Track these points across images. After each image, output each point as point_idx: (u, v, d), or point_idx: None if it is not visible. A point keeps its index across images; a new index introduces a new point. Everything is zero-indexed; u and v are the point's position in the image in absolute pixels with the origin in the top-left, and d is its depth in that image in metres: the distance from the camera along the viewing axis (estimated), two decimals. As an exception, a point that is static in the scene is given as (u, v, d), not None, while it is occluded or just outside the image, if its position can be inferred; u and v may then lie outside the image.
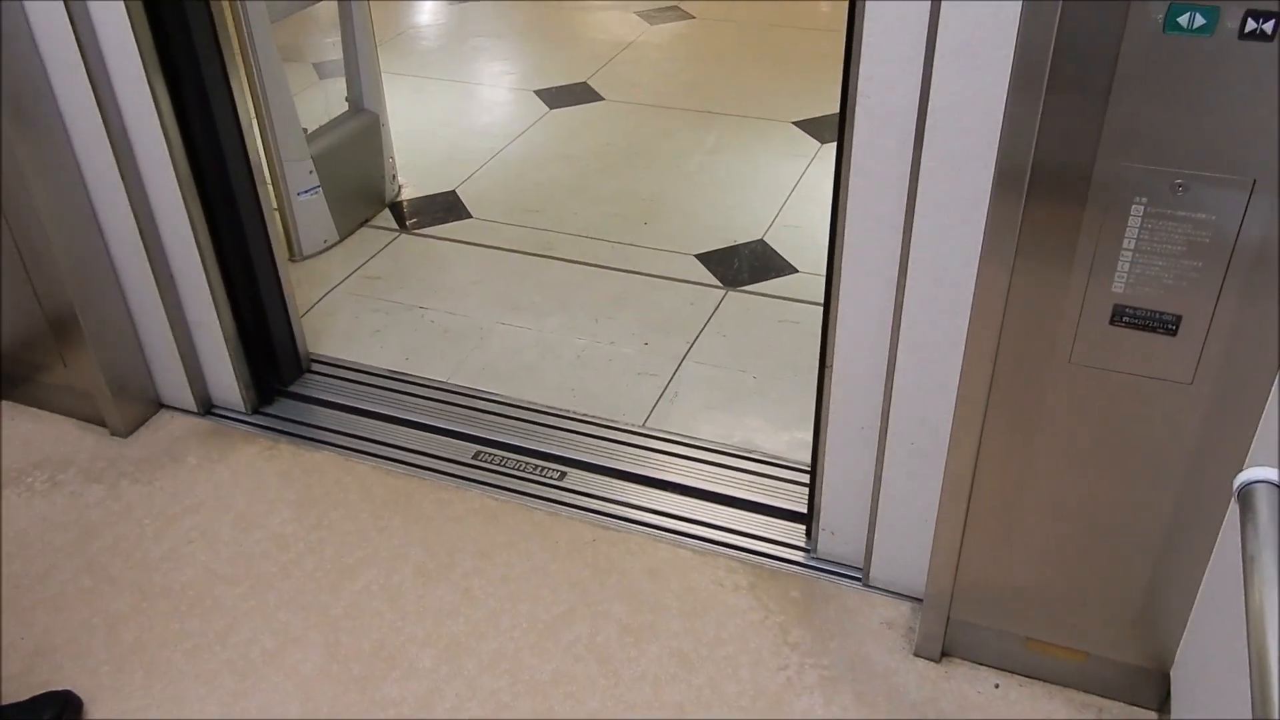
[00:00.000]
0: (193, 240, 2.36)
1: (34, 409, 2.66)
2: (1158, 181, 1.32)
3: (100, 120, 2.19)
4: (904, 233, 1.66)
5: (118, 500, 2.35)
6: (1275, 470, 1.15)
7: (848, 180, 1.71)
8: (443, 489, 2.35)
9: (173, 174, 2.26)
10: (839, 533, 2.12)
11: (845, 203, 1.73)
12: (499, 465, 2.42)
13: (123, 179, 2.27)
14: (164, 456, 2.49)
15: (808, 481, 2.17)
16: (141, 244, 2.36)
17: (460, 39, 5.28)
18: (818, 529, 2.14)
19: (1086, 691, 1.86)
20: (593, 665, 1.94)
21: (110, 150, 2.23)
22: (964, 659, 1.93)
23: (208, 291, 2.43)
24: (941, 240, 1.63)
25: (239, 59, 2.32)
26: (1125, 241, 1.38)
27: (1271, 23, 1.17)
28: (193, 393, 2.58)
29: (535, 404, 2.62)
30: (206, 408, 2.62)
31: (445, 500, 2.32)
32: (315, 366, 2.76)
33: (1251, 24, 1.18)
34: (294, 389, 2.69)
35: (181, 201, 2.30)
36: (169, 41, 2.16)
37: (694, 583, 2.10)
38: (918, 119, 1.56)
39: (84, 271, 2.36)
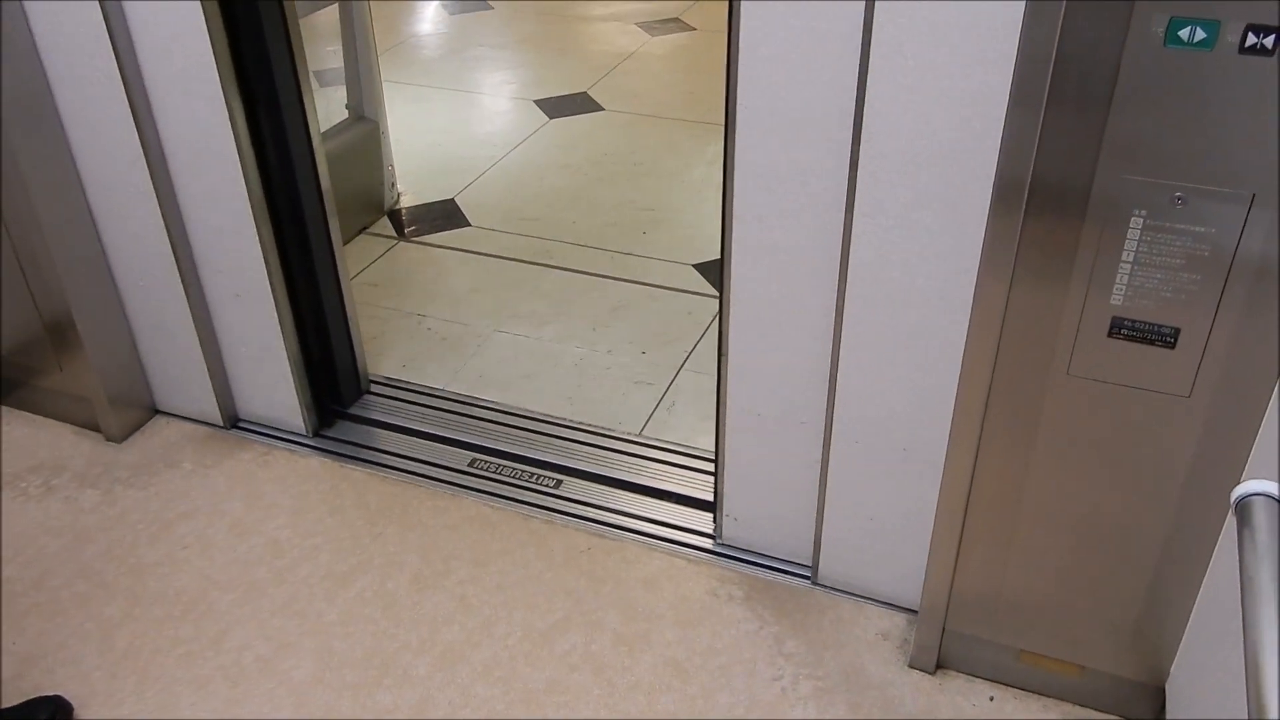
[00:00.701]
0: (261, 261, 2.28)
1: (29, 414, 2.65)
2: (1157, 194, 1.32)
3: (136, 133, 2.15)
4: (844, 234, 1.68)
5: (112, 505, 2.35)
6: (1273, 483, 1.15)
7: (732, 175, 1.76)
8: (438, 496, 2.35)
9: (244, 193, 2.19)
10: (742, 519, 2.16)
11: (731, 199, 1.79)
12: (495, 473, 2.42)
13: (156, 193, 2.22)
14: (159, 462, 2.48)
15: (712, 470, 2.20)
16: (174, 259, 2.31)
17: (461, 48, 5.29)
18: (721, 515, 2.18)
19: (1081, 705, 1.86)
20: (587, 674, 1.94)
21: (145, 164, 2.18)
22: (959, 671, 1.93)
23: (274, 313, 2.36)
24: (882, 242, 1.66)
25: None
26: (1124, 254, 1.38)
27: (1272, 37, 1.18)
28: (219, 407, 2.54)
29: (532, 412, 2.62)
30: (232, 422, 2.58)
31: (441, 508, 2.32)
32: (374, 388, 2.71)
33: (1252, 38, 1.18)
34: (353, 410, 2.62)
35: (252, 222, 2.23)
36: (239, 45, 2.09)
37: (689, 592, 2.10)
38: (854, 120, 1.58)
39: (81, 278, 2.36)
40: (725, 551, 2.20)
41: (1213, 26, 1.20)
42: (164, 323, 2.46)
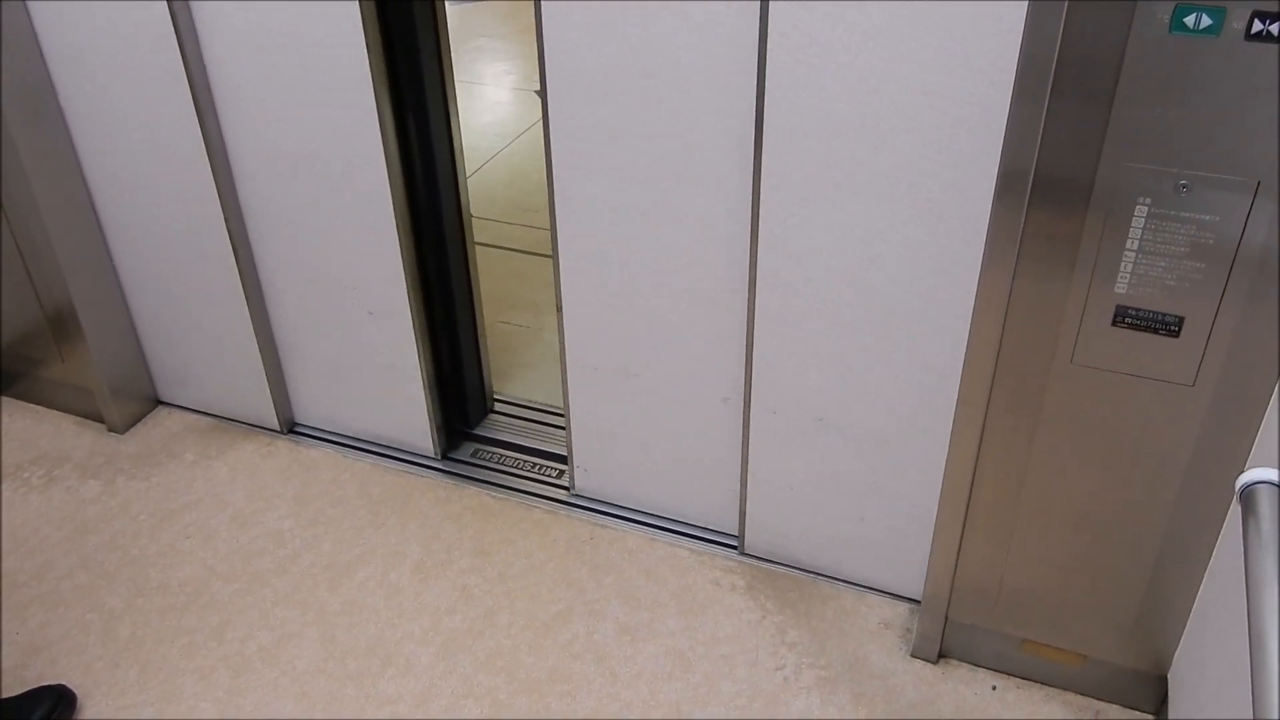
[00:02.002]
0: (402, 278, 2.16)
1: (32, 405, 2.65)
2: (1162, 182, 1.32)
3: (200, 135, 2.09)
4: (752, 207, 1.73)
5: (114, 496, 2.35)
6: (1277, 471, 1.15)
7: (549, 138, 1.88)
8: (441, 486, 2.35)
9: (389, 208, 2.07)
10: (592, 469, 2.24)
11: (551, 161, 1.91)
12: (497, 463, 2.42)
13: (219, 196, 2.16)
14: (161, 453, 2.48)
15: (563, 424, 2.27)
16: (235, 264, 2.25)
17: (463, 39, 5.28)
18: (573, 466, 2.26)
19: (1083, 694, 1.86)
20: (590, 663, 1.94)
21: (209, 165, 2.12)
22: (961, 660, 1.93)
23: (410, 331, 2.23)
24: (791, 214, 1.70)
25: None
26: (1128, 242, 1.38)
27: (1277, 24, 1.17)
28: (276, 413, 2.49)
29: (534, 402, 2.61)
30: (289, 426, 2.54)
31: (443, 498, 2.32)
32: (498, 406, 2.62)
33: (1258, 25, 1.18)
34: (478, 431, 2.54)
35: (395, 237, 2.11)
36: (392, 48, 1.97)
37: (691, 582, 2.10)
38: (756, 89, 1.62)
39: (83, 270, 2.35)
40: (578, 502, 2.29)
41: (1218, 13, 1.19)
42: (217, 328, 2.40)
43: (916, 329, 1.73)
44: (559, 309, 2.05)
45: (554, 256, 2.00)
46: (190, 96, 2.06)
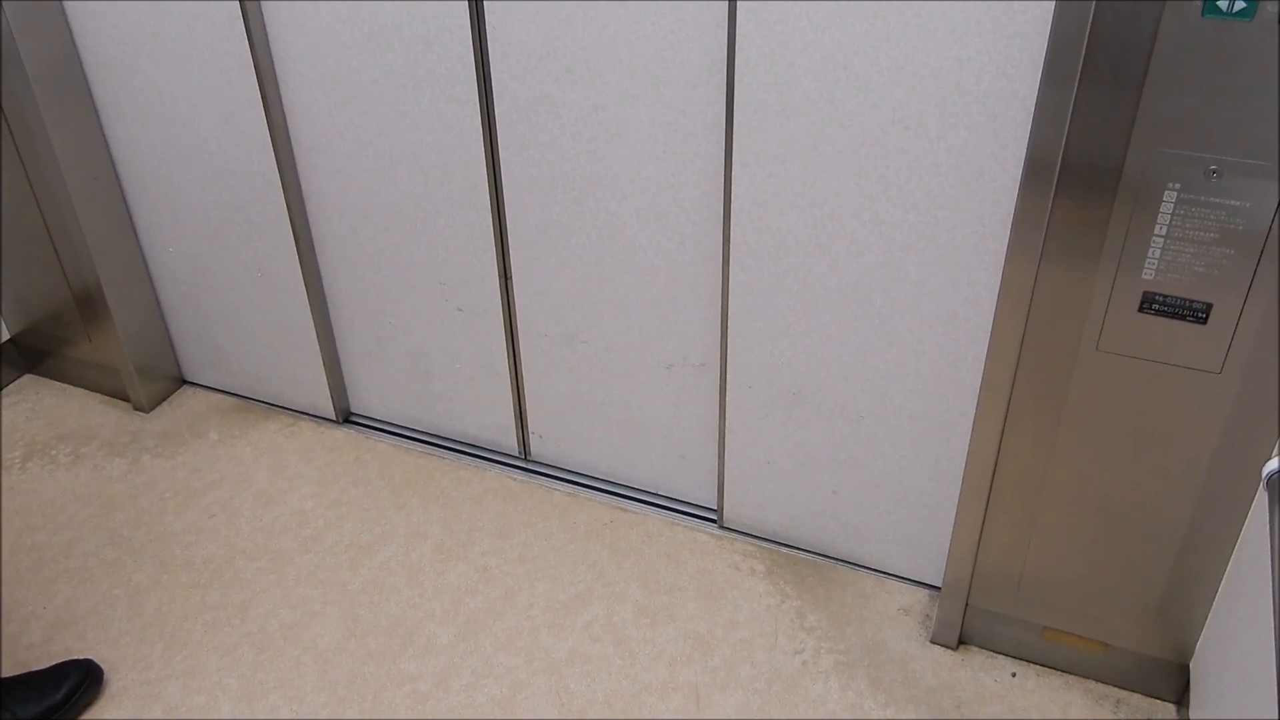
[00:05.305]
0: (496, 277, 2.12)
1: (59, 383, 2.68)
2: (1192, 167, 1.31)
3: (265, 122, 2.08)
4: (724, 181, 1.74)
5: (140, 474, 2.37)
6: (1305, 460, 1.14)
7: (493, 110, 1.90)
8: (461, 468, 2.36)
9: (486, 203, 2.02)
10: (547, 437, 2.27)
11: (494, 131, 1.92)
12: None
13: (284, 188, 2.15)
14: (186, 432, 2.50)
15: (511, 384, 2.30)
16: (296, 256, 2.25)
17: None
18: (527, 434, 2.29)
19: (1104, 682, 1.86)
20: (609, 645, 1.95)
21: (273, 156, 2.11)
22: (981, 647, 1.93)
23: (501, 331, 2.20)
24: (761, 190, 1.72)
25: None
26: (1157, 228, 1.36)
27: (1313, 6, 1.16)
28: (333, 402, 2.48)
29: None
30: (344, 416, 2.53)
31: (464, 479, 2.33)
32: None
33: (1292, 7, 1.16)
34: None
35: (491, 235, 2.06)
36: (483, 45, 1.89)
37: (710, 566, 2.10)
38: (727, 68, 1.64)
39: (111, 252, 2.37)
40: (536, 469, 2.34)
41: (1252, -4, 1.18)
42: (263, 314, 2.41)
43: (897, 307, 1.74)
44: (508, 277, 2.10)
45: (500, 228, 2.04)
46: (256, 84, 2.03)
